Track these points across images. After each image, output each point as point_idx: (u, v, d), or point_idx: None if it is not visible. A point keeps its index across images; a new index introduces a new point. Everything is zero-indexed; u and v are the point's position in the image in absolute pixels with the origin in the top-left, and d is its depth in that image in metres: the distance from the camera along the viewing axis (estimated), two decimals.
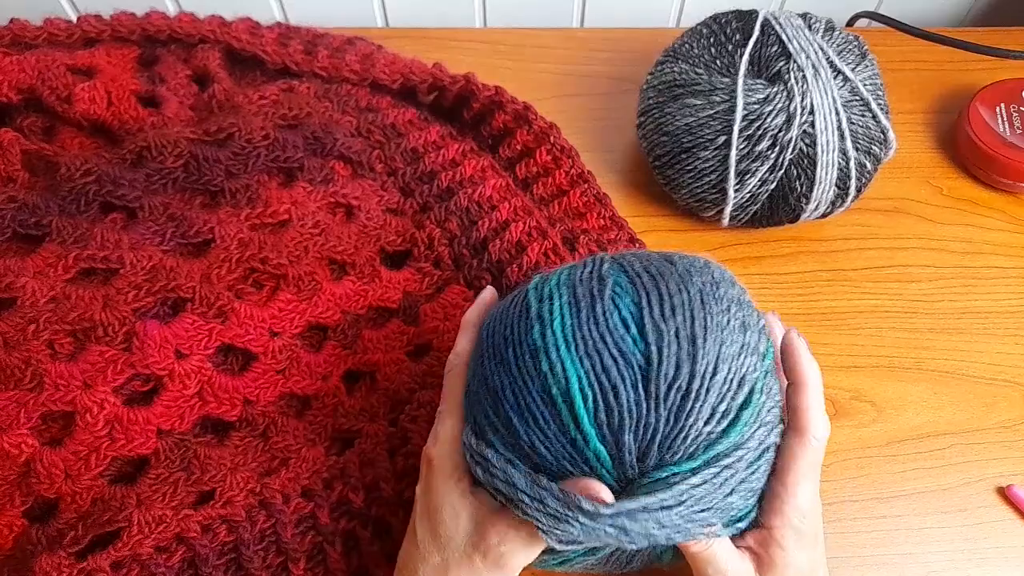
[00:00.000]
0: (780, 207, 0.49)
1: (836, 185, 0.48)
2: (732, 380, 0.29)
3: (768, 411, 0.31)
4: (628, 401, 0.29)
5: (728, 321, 0.30)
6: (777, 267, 0.52)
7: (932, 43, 0.59)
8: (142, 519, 0.37)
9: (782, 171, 0.47)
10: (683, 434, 0.29)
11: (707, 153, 0.47)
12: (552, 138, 0.52)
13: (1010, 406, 0.46)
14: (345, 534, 0.40)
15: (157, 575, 0.37)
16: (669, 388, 0.29)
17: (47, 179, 0.46)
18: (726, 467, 0.29)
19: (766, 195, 0.48)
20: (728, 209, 0.49)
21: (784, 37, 0.48)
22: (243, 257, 0.43)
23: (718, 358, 0.29)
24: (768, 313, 0.36)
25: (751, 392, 0.30)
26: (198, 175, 0.46)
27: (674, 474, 0.29)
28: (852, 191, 0.48)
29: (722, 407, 0.29)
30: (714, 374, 0.29)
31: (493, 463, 0.30)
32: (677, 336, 0.29)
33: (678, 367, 0.29)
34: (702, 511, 0.29)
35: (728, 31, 0.50)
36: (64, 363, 0.38)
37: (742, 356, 0.30)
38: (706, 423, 0.29)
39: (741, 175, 0.47)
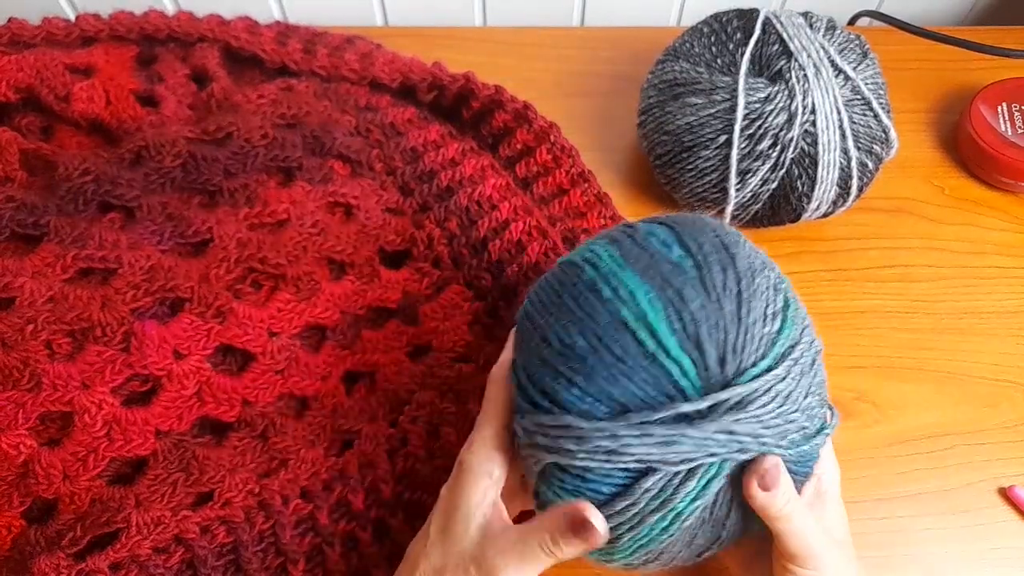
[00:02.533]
0: (782, 206, 0.48)
1: (838, 184, 0.47)
2: (769, 288, 0.32)
3: (804, 316, 0.33)
4: (696, 304, 0.30)
5: (743, 241, 0.34)
6: (779, 267, 0.51)
7: (934, 42, 0.58)
8: (140, 520, 0.37)
9: (783, 170, 0.46)
10: (748, 335, 0.30)
11: (708, 152, 0.47)
12: (552, 137, 0.52)
13: (1012, 407, 0.46)
14: (344, 535, 0.39)
15: None
16: (724, 288, 0.30)
17: (45, 179, 0.46)
18: (795, 362, 0.30)
19: (767, 194, 0.48)
20: (729, 208, 0.49)
21: (785, 36, 0.47)
22: (242, 257, 0.43)
23: (751, 268, 0.32)
24: None
25: (787, 297, 0.32)
26: (196, 174, 0.46)
27: (755, 376, 0.29)
28: (854, 191, 0.48)
29: (770, 310, 0.31)
30: (753, 279, 0.31)
31: (547, 424, 0.30)
32: (714, 247, 0.32)
33: (724, 270, 0.31)
34: (793, 412, 0.30)
35: (729, 30, 0.49)
36: (62, 363, 0.38)
37: (766, 270, 0.32)
38: (764, 324, 0.30)
39: (742, 174, 0.47)
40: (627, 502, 0.30)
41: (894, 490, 0.44)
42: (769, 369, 0.30)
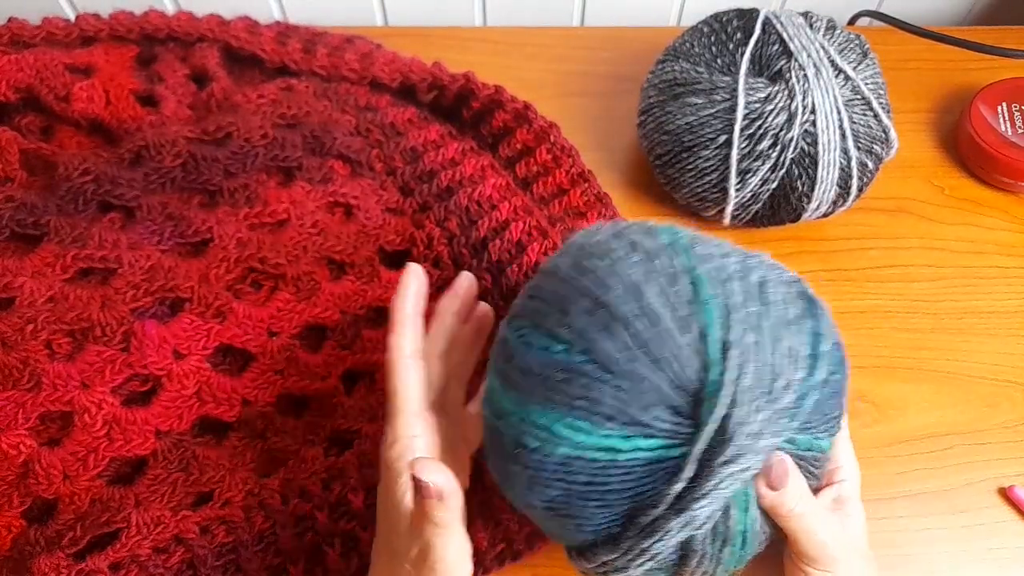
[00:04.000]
0: (782, 206, 0.48)
1: (838, 184, 0.47)
2: (667, 288, 0.29)
3: (721, 266, 0.30)
4: (608, 397, 0.28)
5: (616, 265, 0.30)
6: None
7: (934, 42, 0.58)
8: (140, 520, 0.37)
9: (783, 170, 0.46)
10: (676, 365, 0.28)
11: (708, 152, 0.47)
12: (552, 137, 0.52)
13: (1012, 406, 0.46)
14: (344, 535, 0.39)
15: None
16: (621, 353, 0.28)
17: (45, 178, 0.46)
18: (744, 330, 0.28)
19: (767, 194, 0.48)
20: (729, 208, 0.49)
21: (785, 36, 0.47)
22: (241, 257, 0.43)
23: (633, 292, 0.29)
24: None
25: (692, 275, 0.29)
26: (196, 174, 0.46)
27: (716, 389, 0.27)
28: (854, 191, 0.48)
29: (681, 313, 0.28)
30: (641, 305, 0.28)
31: (590, 568, 0.31)
32: (586, 309, 0.29)
33: (609, 333, 0.28)
34: (771, 387, 0.28)
35: (729, 29, 0.49)
36: (62, 363, 0.38)
37: (656, 268, 0.30)
38: (681, 335, 0.28)
39: (742, 174, 0.47)
40: (696, 559, 0.30)
41: (893, 490, 0.43)
42: (721, 373, 0.27)
